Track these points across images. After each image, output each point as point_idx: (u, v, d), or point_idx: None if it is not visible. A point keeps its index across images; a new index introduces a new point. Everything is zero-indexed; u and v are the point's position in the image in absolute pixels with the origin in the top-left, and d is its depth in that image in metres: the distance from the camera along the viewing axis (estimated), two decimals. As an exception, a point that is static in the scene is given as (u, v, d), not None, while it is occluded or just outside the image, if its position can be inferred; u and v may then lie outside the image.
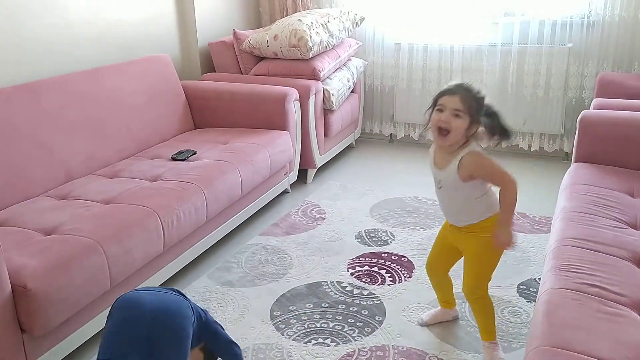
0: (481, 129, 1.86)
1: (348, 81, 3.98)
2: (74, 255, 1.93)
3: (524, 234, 2.94)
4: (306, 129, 3.59)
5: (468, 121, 1.81)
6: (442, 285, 2.22)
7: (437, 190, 1.99)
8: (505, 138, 1.87)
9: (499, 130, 1.86)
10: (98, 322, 2.12)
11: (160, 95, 3.33)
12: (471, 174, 1.85)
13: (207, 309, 2.36)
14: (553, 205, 2.41)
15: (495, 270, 2.03)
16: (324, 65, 3.73)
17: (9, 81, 2.65)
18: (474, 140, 1.88)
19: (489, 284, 2.03)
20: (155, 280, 2.40)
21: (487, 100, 1.87)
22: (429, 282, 2.53)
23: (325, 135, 3.81)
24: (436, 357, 2.07)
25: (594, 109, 2.89)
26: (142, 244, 2.20)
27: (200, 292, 2.51)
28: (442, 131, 1.82)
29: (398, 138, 4.59)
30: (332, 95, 3.72)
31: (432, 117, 1.86)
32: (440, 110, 1.82)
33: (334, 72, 3.89)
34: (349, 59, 4.12)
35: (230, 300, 2.45)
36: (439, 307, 2.28)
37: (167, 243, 2.35)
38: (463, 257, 2.07)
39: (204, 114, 3.56)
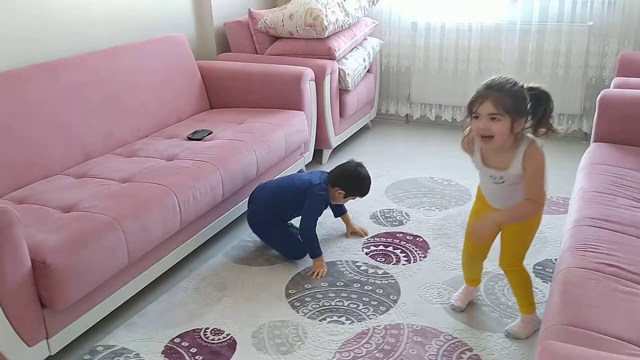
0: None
1: (364, 61, 3.95)
2: (93, 231, 1.96)
3: (540, 215, 2.92)
4: (321, 109, 3.58)
5: (509, 121, 1.73)
6: (477, 267, 2.21)
7: (493, 184, 1.90)
8: (550, 131, 1.80)
9: (545, 125, 1.79)
10: (117, 298, 2.16)
11: (176, 75, 3.34)
12: (525, 165, 1.81)
13: (224, 286, 2.40)
14: (571, 186, 2.38)
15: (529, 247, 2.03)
16: (340, 45, 3.70)
17: (27, 61, 2.67)
18: (526, 134, 1.82)
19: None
20: (172, 257, 2.43)
21: (536, 85, 1.78)
22: (444, 262, 2.54)
23: (341, 115, 3.80)
24: (450, 335, 2.08)
25: (614, 88, 2.84)
26: (159, 221, 2.22)
27: (217, 270, 2.54)
28: (485, 138, 1.77)
29: (414, 119, 4.56)
30: (348, 75, 3.70)
31: (471, 125, 1.80)
32: (477, 118, 1.76)
33: (349, 52, 3.86)
34: (365, 39, 4.08)
35: (246, 278, 2.47)
36: (465, 286, 2.25)
37: (184, 221, 2.37)
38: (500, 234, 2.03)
39: (219, 94, 3.56)
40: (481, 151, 1.89)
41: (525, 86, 1.77)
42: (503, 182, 1.87)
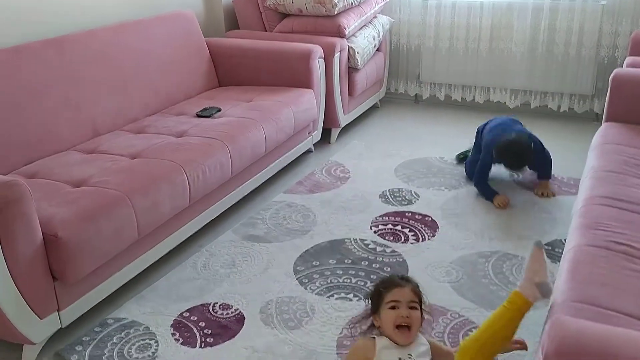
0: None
1: (374, 39, 3.91)
2: (103, 206, 1.97)
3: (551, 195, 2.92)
4: (330, 87, 3.56)
5: (420, 313, 1.64)
6: None
7: None
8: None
9: None
10: (128, 272, 2.18)
11: (184, 52, 3.32)
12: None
13: (232, 263, 2.42)
14: (581, 166, 2.37)
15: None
16: (350, 22, 3.67)
17: (35, 35, 2.67)
18: None
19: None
20: (182, 233, 2.45)
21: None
22: (453, 242, 2.54)
23: (350, 94, 3.78)
24: (457, 313, 2.08)
25: (627, 67, 2.81)
26: (168, 197, 2.23)
27: (226, 246, 2.55)
28: (403, 328, 1.60)
29: (424, 98, 4.53)
30: (357, 53, 3.67)
31: (382, 316, 1.63)
32: (394, 307, 1.61)
33: (359, 30, 3.83)
34: (375, 16, 4.04)
35: (255, 255, 2.48)
36: None
37: (193, 197, 2.38)
38: None
39: (228, 72, 3.55)
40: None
41: None
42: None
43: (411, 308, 1.61)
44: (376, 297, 1.66)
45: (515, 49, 4.03)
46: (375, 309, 1.66)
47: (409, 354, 1.60)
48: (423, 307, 1.66)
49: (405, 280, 1.67)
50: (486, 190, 2.92)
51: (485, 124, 3.12)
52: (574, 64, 3.90)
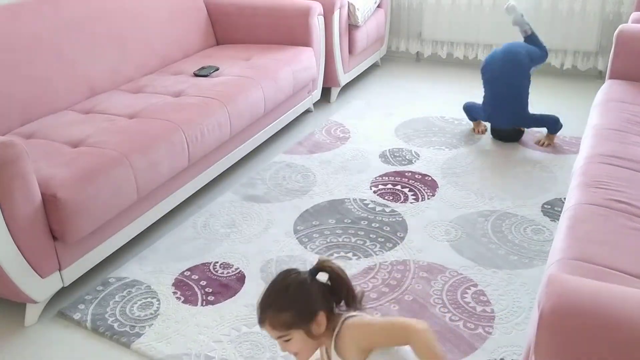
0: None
1: (374, -5, 3.83)
2: (101, 166, 1.96)
3: (552, 154, 2.90)
4: (330, 45, 3.50)
5: (301, 332, 1.32)
6: None
7: None
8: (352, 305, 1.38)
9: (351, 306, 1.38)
10: (128, 232, 2.19)
11: (182, 11, 3.26)
12: (364, 347, 1.31)
13: (232, 223, 2.42)
14: (583, 125, 2.35)
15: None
16: (350, -22, 3.58)
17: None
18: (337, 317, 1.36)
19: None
20: (182, 193, 2.45)
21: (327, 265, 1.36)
22: (453, 201, 2.54)
23: (350, 52, 3.72)
24: (456, 272, 2.10)
25: (632, 23, 2.75)
26: (167, 157, 2.22)
27: (225, 206, 2.56)
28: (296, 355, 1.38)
29: (425, 56, 4.46)
30: (358, 9, 3.60)
31: None
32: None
33: (359, -14, 3.75)
34: (376, -28, 3.95)
35: (255, 215, 2.49)
36: None
37: (192, 158, 2.37)
38: None
39: (226, 30, 3.49)
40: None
41: (308, 277, 1.35)
42: None
43: (286, 341, 1.34)
44: None
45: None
46: None
47: None
48: (305, 319, 1.31)
49: (264, 310, 1.34)
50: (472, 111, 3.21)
51: (488, 61, 3.07)
52: (579, 20, 3.82)
